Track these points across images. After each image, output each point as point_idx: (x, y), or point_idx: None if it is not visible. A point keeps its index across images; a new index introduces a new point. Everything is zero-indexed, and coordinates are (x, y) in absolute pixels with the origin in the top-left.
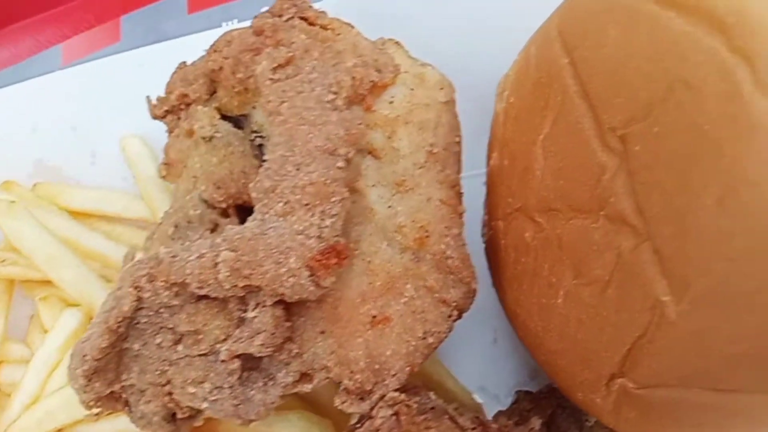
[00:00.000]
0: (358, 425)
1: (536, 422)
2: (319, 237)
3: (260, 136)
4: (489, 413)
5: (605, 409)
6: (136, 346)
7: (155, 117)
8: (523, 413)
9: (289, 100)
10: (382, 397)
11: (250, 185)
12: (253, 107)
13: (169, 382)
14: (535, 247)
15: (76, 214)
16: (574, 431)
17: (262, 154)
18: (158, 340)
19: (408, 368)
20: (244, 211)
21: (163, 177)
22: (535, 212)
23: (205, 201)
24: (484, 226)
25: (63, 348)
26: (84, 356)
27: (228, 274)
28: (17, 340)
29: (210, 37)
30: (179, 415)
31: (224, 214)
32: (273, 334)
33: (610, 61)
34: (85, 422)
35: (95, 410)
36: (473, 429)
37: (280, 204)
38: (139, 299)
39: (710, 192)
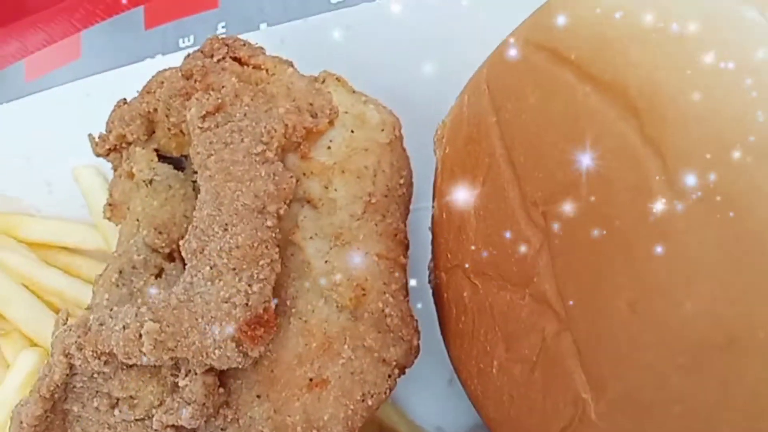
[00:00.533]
0: None
1: None
2: (246, 305)
3: None
4: None
5: None
6: (75, 409)
7: (98, 155)
8: None
9: (216, 153)
10: None
11: (180, 243)
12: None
13: None
14: (472, 309)
15: (36, 246)
16: None
17: None
18: (95, 404)
19: (348, 430)
20: None
21: (108, 218)
22: (471, 273)
23: (148, 245)
24: (430, 272)
25: (21, 388)
26: (20, 423)
27: (152, 347)
28: None
29: (158, 65)
30: None
31: (169, 258)
32: (203, 404)
33: (530, 129)
34: None
35: None
36: None
37: (207, 267)
38: (71, 366)
39: (622, 296)
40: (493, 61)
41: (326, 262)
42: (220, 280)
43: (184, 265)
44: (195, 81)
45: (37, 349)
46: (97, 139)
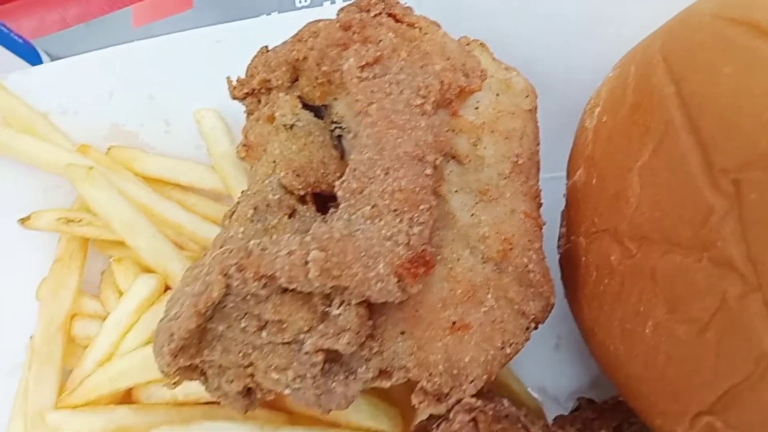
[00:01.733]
0: (434, 426)
1: None
2: (407, 244)
3: (340, 128)
4: (548, 415)
5: None
6: (220, 328)
7: (234, 98)
8: (587, 422)
9: (377, 102)
10: (459, 401)
11: (337, 183)
12: (335, 99)
13: (251, 364)
14: (621, 272)
15: (150, 181)
16: None
17: (341, 145)
18: (243, 325)
19: (485, 376)
20: (321, 200)
21: (242, 158)
22: (625, 237)
23: (284, 186)
24: (561, 237)
25: (136, 312)
26: (171, 335)
27: (318, 273)
28: (91, 295)
29: (285, 20)
30: (258, 395)
31: (302, 200)
32: (357, 333)
33: (723, 100)
34: (157, 383)
35: (173, 379)
36: None
37: (368, 207)
38: (228, 286)
39: None
40: (670, 35)
41: (472, 215)
42: (380, 219)
43: (316, 208)
44: (353, 33)
45: (155, 276)
46: (235, 83)
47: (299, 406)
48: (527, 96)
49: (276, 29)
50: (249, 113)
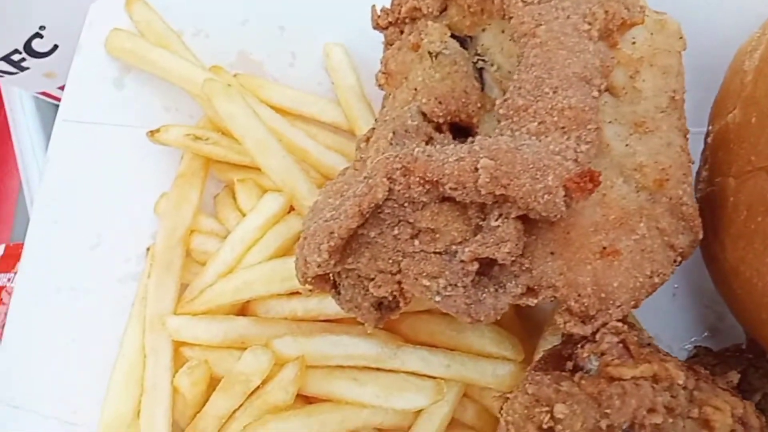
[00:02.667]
0: (580, 346)
1: (734, 376)
2: (575, 161)
3: (483, 60)
4: None
5: None
6: (372, 234)
7: (377, 27)
8: (707, 368)
9: (545, 24)
10: (604, 324)
11: (498, 101)
12: (483, 30)
13: (400, 272)
14: None
15: (275, 110)
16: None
17: (482, 78)
18: (395, 232)
19: (632, 302)
20: (457, 131)
21: (380, 86)
22: None
23: (423, 113)
24: (700, 181)
25: (261, 228)
26: (331, 233)
27: (488, 180)
28: (208, 214)
29: None
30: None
31: (438, 129)
32: (516, 245)
33: None
34: (277, 297)
35: (309, 286)
36: (683, 371)
37: (534, 124)
38: (390, 191)
39: None
40: None
41: (627, 145)
42: (547, 136)
43: (453, 137)
44: None
45: (283, 194)
46: (380, 12)
47: (413, 333)
48: (680, 38)
49: None
50: (389, 44)
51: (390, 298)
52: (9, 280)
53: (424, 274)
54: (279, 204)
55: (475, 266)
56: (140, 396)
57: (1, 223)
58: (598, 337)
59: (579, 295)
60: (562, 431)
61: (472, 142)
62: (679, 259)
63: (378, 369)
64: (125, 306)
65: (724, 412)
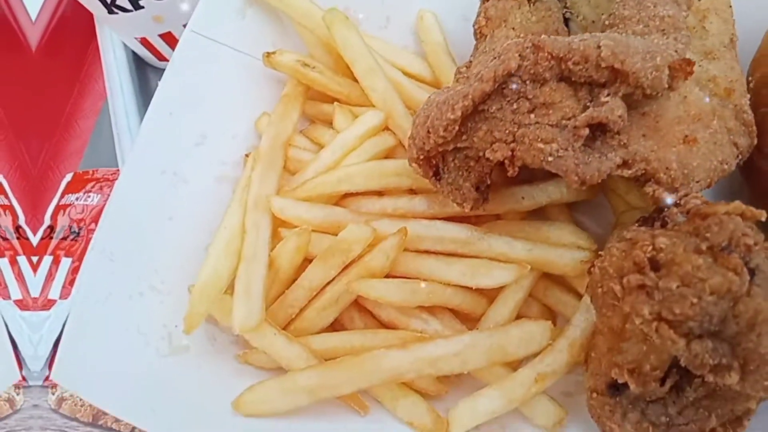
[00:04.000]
0: (666, 210)
1: None
2: (675, 52)
3: (570, 12)
4: None
5: None
6: (492, 108)
7: None
8: None
9: None
10: (686, 195)
11: (604, 16)
12: None
13: (515, 141)
14: None
15: None
16: None
17: (568, 26)
18: (515, 106)
19: (708, 180)
20: None
21: (479, 29)
22: None
23: None
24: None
25: (360, 137)
26: (465, 95)
27: (609, 53)
28: (302, 135)
29: None
30: (510, 171)
31: None
32: (625, 112)
33: None
34: (368, 196)
35: (416, 165)
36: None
37: (640, 26)
38: (519, 66)
39: None
40: None
41: (699, 66)
42: (650, 35)
43: None
44: None
45: (383, 111)
46: None
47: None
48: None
49: None
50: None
51: (504, 162)
52: (77, 198)
53: (539, 139)
54: (379, 118)
55: (586, 131)
56: (237, 265)
57: (73, 156)
58: (682, 201)
59: (667, 168)
60: (664, 258)
61: None
62: (740, 156)
63: (463, 256)
64: (220, 201)
65: None
